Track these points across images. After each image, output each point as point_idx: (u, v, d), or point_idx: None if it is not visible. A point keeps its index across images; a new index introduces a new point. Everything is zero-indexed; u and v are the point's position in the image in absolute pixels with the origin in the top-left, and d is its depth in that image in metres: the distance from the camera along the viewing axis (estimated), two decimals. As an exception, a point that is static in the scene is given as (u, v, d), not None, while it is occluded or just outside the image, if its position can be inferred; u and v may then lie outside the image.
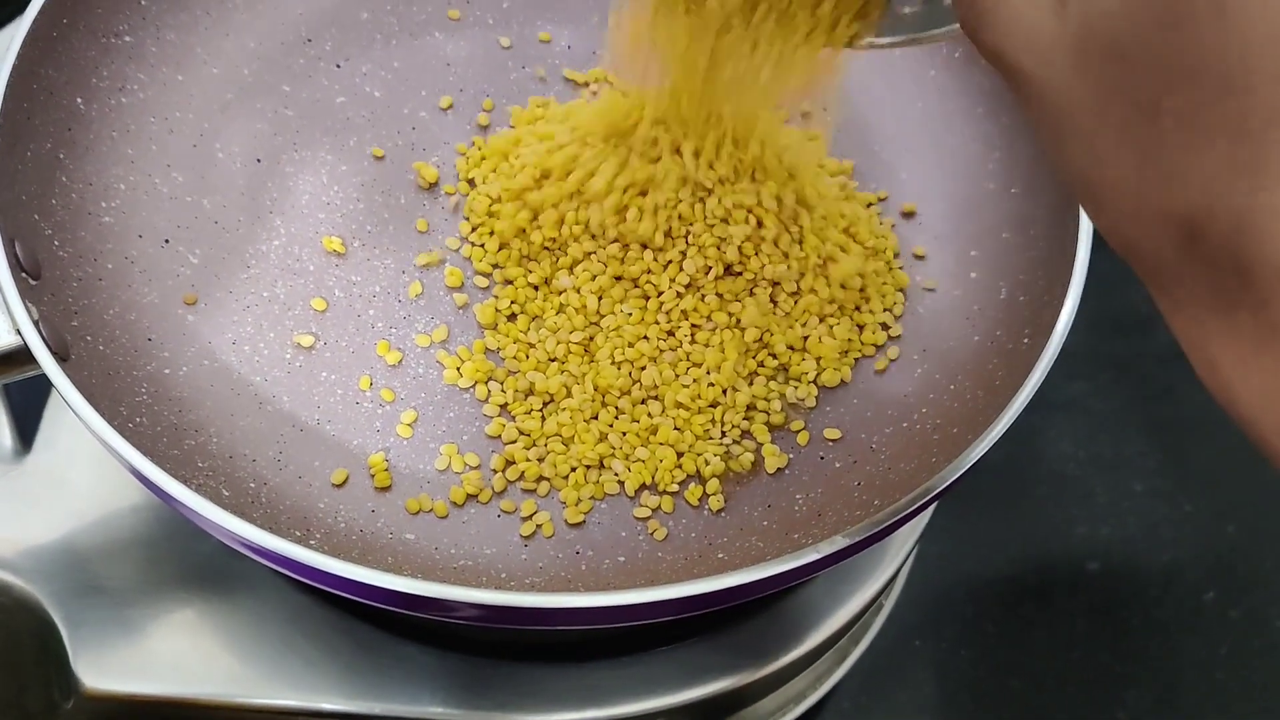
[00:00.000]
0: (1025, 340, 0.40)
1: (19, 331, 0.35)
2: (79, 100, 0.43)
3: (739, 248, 0.42)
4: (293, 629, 0.42)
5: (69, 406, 0.34)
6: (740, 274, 0.42)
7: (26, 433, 0.45)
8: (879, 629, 0.52)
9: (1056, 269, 0.41)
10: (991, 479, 0.60)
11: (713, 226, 0.42)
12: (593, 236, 0.43)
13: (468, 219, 0.45)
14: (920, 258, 0.45)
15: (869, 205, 0.46)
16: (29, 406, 0.45)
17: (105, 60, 0.44)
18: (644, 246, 0.42)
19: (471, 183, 0.46)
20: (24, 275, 0.37)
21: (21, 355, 0.36)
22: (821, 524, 0.38)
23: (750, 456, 0.40)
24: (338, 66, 0.48)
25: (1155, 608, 0.56)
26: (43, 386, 0.46)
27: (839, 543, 0.33)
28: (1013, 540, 0.59)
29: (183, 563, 0.43)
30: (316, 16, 0.49)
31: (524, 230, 0.43)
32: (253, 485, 0.38)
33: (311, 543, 0.36)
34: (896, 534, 0.45)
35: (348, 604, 0.43)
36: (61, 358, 0.36)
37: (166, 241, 0.43)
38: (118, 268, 0.41)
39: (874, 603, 0.46)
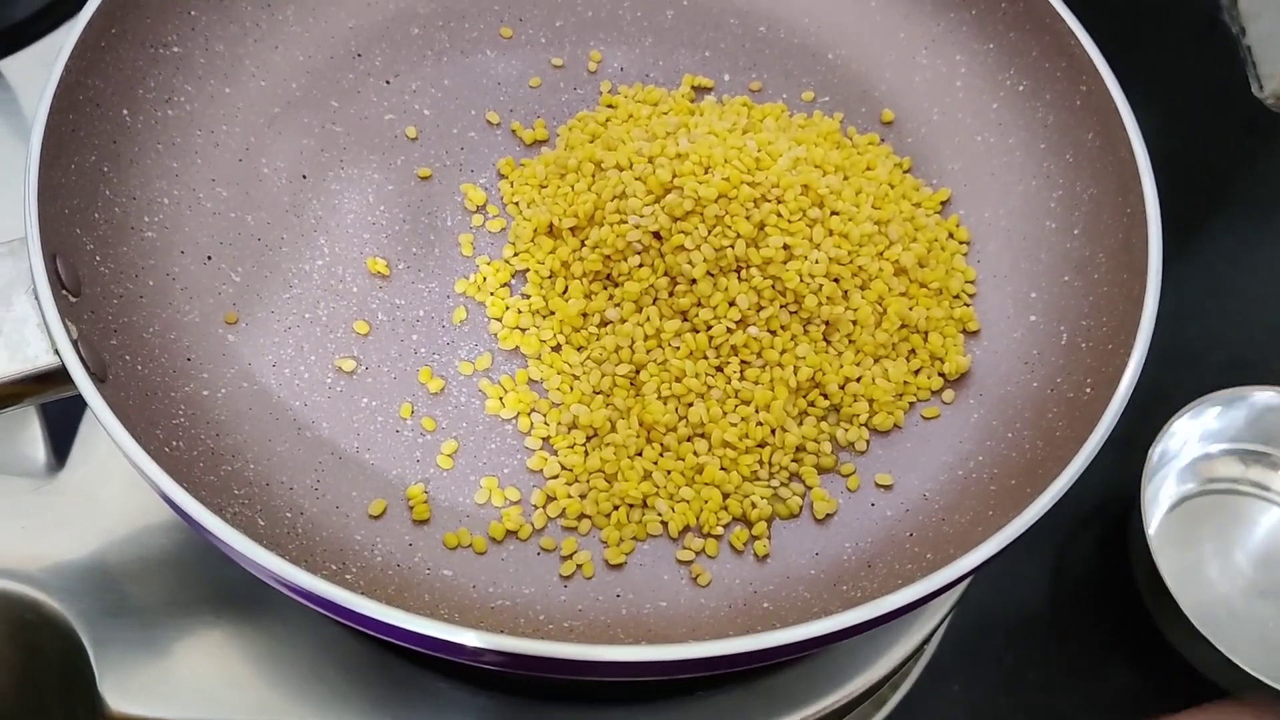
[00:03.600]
0: (1088, 390, 0.39)
1: (57, 351, 0.35)
2: (125, 112, 0.42)
3: (794, 289, 0.41)
4: (322, 658, 0.42)
5: (105, 430, 0.33)
6: (795, 311, 0.41)
7: (60, 449, 0.45)
8: (918, 674, 0.51)
9: (1121, 316, 0.40)
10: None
11: (768, 264, 0.40)
12: (640, 265, 0.41)
13: (513, 244, 0.44)
14: (975, 296, 0.44)
15: (949, 236, 0.45)
16: (64, 423, 0.45)
17: (153, 71, 0.43)
18: (693, 280, 0.41)
19: (517, 205, 0.45)
20: (65, 293, 0.36)
21: (59, 375, 0.35)
22: (871, 575, 0.37)
23: (798, 500, 0.39)
24: (387, 83, 0.47)
25: (1205, 662, 0.54)
26: (77, 403, 0.45)
27: (892, 602, 0.32)
28: (1056, 583, 0.57)
29: (212, 585, 0.43)
30: (367, 31, 0.48)
31: (567, 263, 0.42)
32: (289, 515, 0.37)
33: (348, 577, 0.35)
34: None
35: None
36: (99, 379, 0.35)
37: (209, 258, 0.42)
38: (159, 285, 0.41)
39: (917, 652, 0.45)
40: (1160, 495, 0.58)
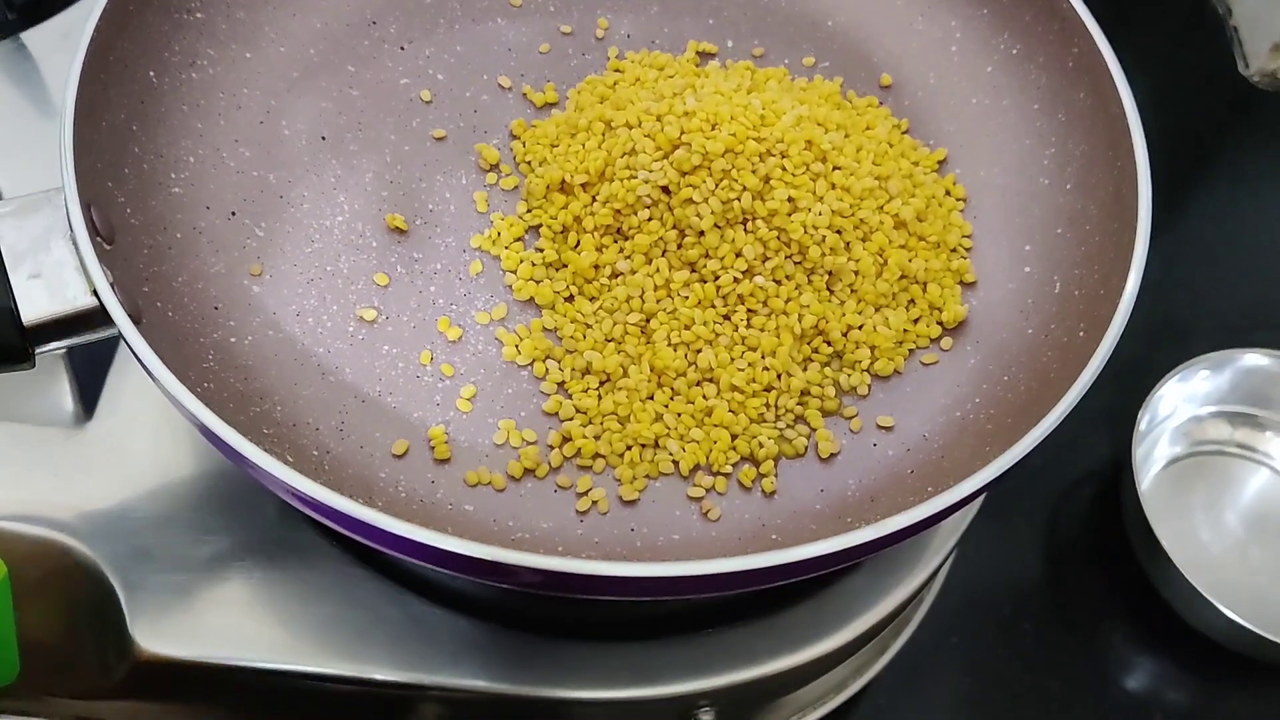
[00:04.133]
0: (1080, 334, 0.40)
1: (95, 293, 0.36)
2: (151, 74, 0.44)
3: (798, 240, 0.42)
4: (345, 600, 0.43)
5: (144, 367, 0.35)
6: (799, 262, 0.42)
7: (89, 400, 0.46)
8: (918, 624, 0.52)
9: (1111, 264, 0.41)
10: (1031, 481, 0.60)
11: (774, 215, 0.42)
12: (650, 219, 0.43)
13: (526, 201, 0.45)
14: (971, 250, 0.46)
15: (945, 193, 0.47)
16: (92, 373, 0.46)
17: (177, 35, 0.45)
18: (701, 232, 0.43)
19: (529, 164, 0.46)
20: (99, 240, 0.38)
21: (97, 317, 0.36)
22: (875, 508, 0.39)
23: (804, 441, 0.41)
24: (401, 49, 0.49)
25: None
26: (105, 354, 0.47)
27: (895, 523, 0.34)
28: (1051, 542, 0.59)
29: (238, 532, 0.44)
30: (381, 0, 0.49)
31: (579, 218, 0.44)
32: (315, 453, 0.39)
33: (377, 508, 0.37)
34: (940, 528, 0.45)
35: (400, 576, 0.43)
36: (135, 320, 0.36)
37: (233, 214, 0.44)
38: (186, 237, 0.42)
39: (916, 596, 0.46)
40: (1151, 457, 0.59)
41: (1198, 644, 0.54)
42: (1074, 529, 0.59)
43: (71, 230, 0.37)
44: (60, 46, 0.54)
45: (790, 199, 0.42)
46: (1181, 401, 0.60)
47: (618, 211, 0.43)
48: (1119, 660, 0.56)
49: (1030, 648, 0.56)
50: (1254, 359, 0.59)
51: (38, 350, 0.37)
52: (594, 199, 0.44)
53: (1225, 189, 0.73)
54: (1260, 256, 0.71)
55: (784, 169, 0.43)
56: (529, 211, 0.45)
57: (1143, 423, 0.56)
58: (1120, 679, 0.56)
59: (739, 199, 0.42)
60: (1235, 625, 0.51)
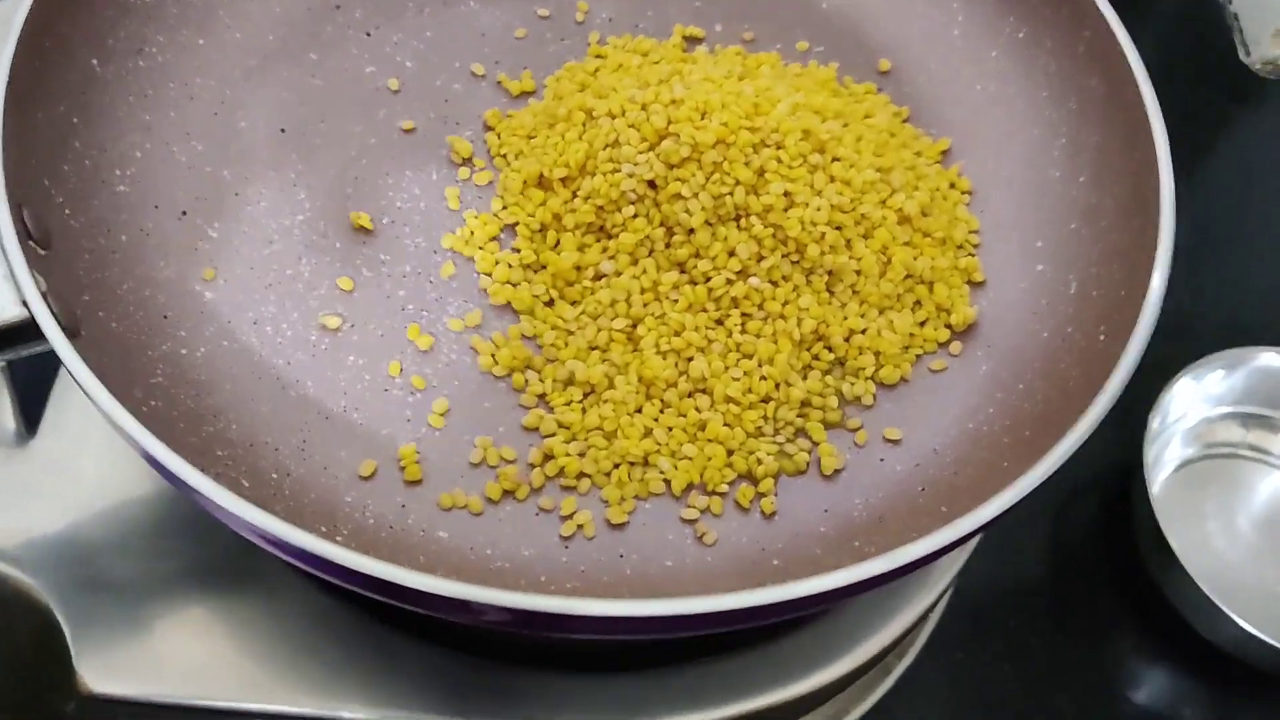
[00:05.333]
0: (1101, 337, 0.38)
1: (26, 304, 0.33)
2: (94, 62, 0.41)
3: (795, 237, 0.39)
4: (312, 631, 0.40)
5: (79, 386, 0.32)
6: (797, 262, 0.40)
7: (31, 416, 0.43)
8: (923, 643, 0.50)
9: (1133, 261, 0.39)
10: (1037, 488, 0.58)
11: (769, 211, 0.39)
12: (635, 216, 0.40)
13: (501, 197, 0.42)
14: (979, 247, 0.43)
15: (950, 185, 0.44)
16: (35, 388, 0.43)
17: (123, 20, 0.42)
18: (691, 230, 0.40)
19: (505, 157, 0.43)
20: (32, 244, 0.35)
21: (28, 330, 0.33)
22: (884, 530, 0.36)
23: (805, 456, 0.38)
24: (367, 35, 0.45)
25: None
26: (49, 366, 0.43)
27: (913, 551, 0.31)
28: (1057, 551, 0.56)
29: (195, 558, 0.41)
30: (346, -18, 0.46)
31: (558, 215, 0.41)
32: (274, 476, 0.36)
33: (339, 539, 0.34)
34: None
35: (370, 606, 0.40)
36: (72, 333, 0.33)
37: (184, 214, 0.40)
38: (132, 240, 0.39)
39: (925, 616, 0.44)
40: (1161, 460, 0.57)
41: (1212, 656, 0.52)
42: (1081, 536, 0.57)
43: (-1, 235, 0.33)
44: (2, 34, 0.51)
45: (787, 193, 0.39)
46: (1193, 402, 0.57)
47: (600, 208, 0.40)
48: (1130, 674, 0.54)
49: (1038, 663, 0.54)
50: (1269, 358, 0.57)
51: (-37, 367, 0.34)
52: (575, 194, 0.41)
53: (1229, 181, 0.71)
54: (1267, 249, 0.68)
55: (779, 161, 0.40)
56: (505, 208, 0.42)
57: (1154, 424, 0.54)
58: (1131, 694, 0.53)
59: (731, 194, 0.39)
60: (1251, 637, 0.49)
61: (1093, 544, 0.57)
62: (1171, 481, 0.57)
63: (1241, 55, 0.68)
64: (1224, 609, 0.49)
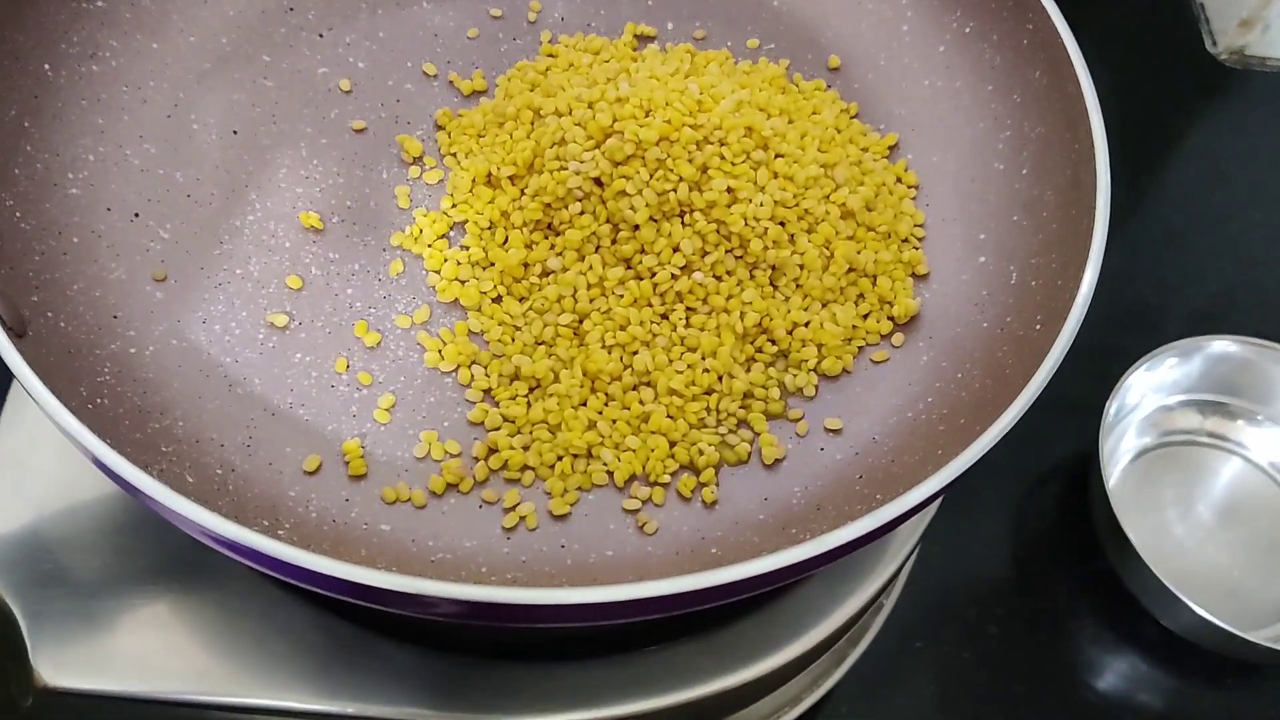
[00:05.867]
0: (1038, 327, 0.38)
1: (-31, 305, 0.33)
2: (46, 66, 0.41)
3: (739, 233, 0.40)
4: (265, 624, 0.40)
5: (21, 384, 0.32)
6: (740, 256, 0.40)
7: (-12, 415, 0.43)
8: (878, 630, 0.50)
9: (1070, 252, 0.39)
10: (995, 477, 0.58)
11: (712, 207, 0.40)
12: (581, 213, 0.40)
13: (451, 195, 0.43)
14: (924, 240, 0.43)
15: (896, 180, 0.44)
16: (-9, 388, 0.43)
17: (76, 25, 0.42)
18: (636, 226, 0.40)
19: (454, 156, 0.44)
20: (-20, 247, 0.35)
21: (-27, 330, 0.34)
22: (821, 518, 0.36)
23: (747, 447, 0.38)
24: (320, 36, 0.46)
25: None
26: (5, 366, 0.44)
27: (839, 537, 0.31)
28: (1016, 539, 0.57)
29: (151, 554, 0.41)
30: (299, -16, 0.47)
31: (506, 213, 0.41)
32: (219, 472, 0.36)
33: (280, 533, 0.34)
34: (898, 531, 0.43)
35: (323, 599, 0.41)
36: (17, 334, 0.34)
37: (136, 215, 0.41)
38: (84, 241, 0.39)
39: (873, 603, 0.44)
40: (1119, 449, 0.57)
41: (1169, 642, 0.53)
42: (1041, 525, 0.58)
43: (-55, 237, 0.34)
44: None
45: (730, 189, 0.40)
46: (1150, 391, 0.58)
47: (548, 205, 0.41)
48: (1088, 661, 0.54)
49: (996, 650, 0.54)
50: (1223, 346, 0.57)
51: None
52: (522, 193, 0.41)
53: (1193, 172, 0.71)
54: (1229, 241, 0.69)
55: (722, 158, 0.40)
56: (454, 206, 0.43)
57: (1110, 413, 0.54)
58: (1090, 680, 0.54)
59: (675, 190, 0.40)
60: (1207, 623, 0.49)
61: (1052, 532, 0.57)
62: (1130, 470, 0.57)
63: (1208, 45, 0.68)
64: (1180, 596, 0.49)
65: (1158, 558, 0.51)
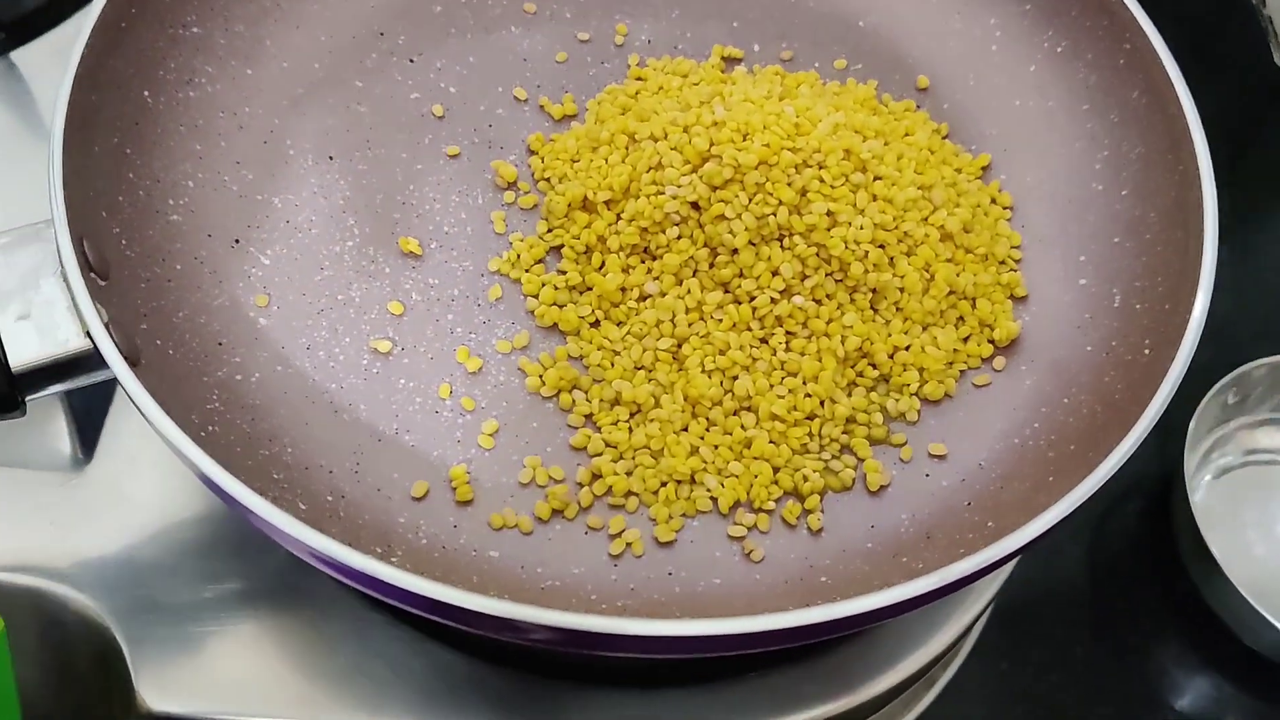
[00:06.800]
0: (1146, 351, 0.38)
1: (89, 334, 0.33)
2: (146, 94, 0.41)
3: (839, 256, 0.39)
4: (362, 648, 0.40)
5: (142, 414, 0.32)
6: (841, 280, 0.40)
7: (88, 441, 0.43)
8: (967, 653, 0.50)
9: (1177, 275, 0.39)
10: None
11: (812, 231, 0.39)
12: (679, 237, 0.40)
13: (546, 220, 0.43)
14: (1021, 262, 0.43)
15: (991, 201, 0.44)
16: (91, 412, 0.44)
17: (173, 52, 0.42)
18: (735, 250, 0.40)
19: (549, 181, 0.44)
20: (93, 276, 0.35)
21: (92, 360, 0.34)
22: (931, 546, 0.36)
23: (851, 473, 0.38)
24: (411, 61, 0.46)
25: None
26: (105, 390, 0.44)
27: (964, 568, 0.31)
28: (1097, 559, 0.56)
29: (248, 577, 0.42)
30: (388, 9, 0.47)
31: (603, 237, 0.41)
32: (330, 499, 0.36)
33: (393, 560, 0.34)
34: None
35: (419, 623, 0.41)
36: (132, 362, 0.34)
37: (236, 242, 0.41)
38: (187, 268, 0.40)
39: (970, 628, 0.44)
40: (1202, 468, 0.57)
41: (1255, 663, 0.52)
42: (1122, 544, 0.57)
43: (62, 266, 0.34)
44: (52, 64, 0.52)
45: (829, 212, 0.40)
46: (1232, 409, 0.57)
47: (644, 230, 0.41)
48: (1173, 682, 0.54)
49: (1082, 673, 0.53)
50: (1310, 364, 0.56)
51: (29, 398, 0.34)
52: (619, 217, 0.41)
53: (1261, 183, 0.70)
54: (1306, 255, 0.68)
55: (822, 180, 0.40)
56: (549, 231, 0.43)
57: (1194, 431, 0.54)
58: (1175, 702, 0.53)
59: (774, 214, 0.39)
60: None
61: (1134, 552, 0.57)
62: (1211, 488, 0.57)
63: (1276, 58, 0.68)
64: (1266, 616, 0.49)
65: (1243, 577, 0.50)
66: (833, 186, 0.40)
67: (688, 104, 0.42)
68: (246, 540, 0.42)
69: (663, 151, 0.41)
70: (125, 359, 0.33)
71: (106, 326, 0.34)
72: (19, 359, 0.34)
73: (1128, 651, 0.54)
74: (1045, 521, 0.32)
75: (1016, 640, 0.54)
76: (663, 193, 0.40)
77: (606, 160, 0.42)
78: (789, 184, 0.40)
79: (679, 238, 0.40)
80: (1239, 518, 0.56)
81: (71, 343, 0.34)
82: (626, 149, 0.42)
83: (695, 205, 0.40)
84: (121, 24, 0.40)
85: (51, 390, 0.35)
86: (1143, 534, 0.57)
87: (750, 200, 0.40)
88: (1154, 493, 0.58)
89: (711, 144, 0.40)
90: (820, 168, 0.40)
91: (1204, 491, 0.56)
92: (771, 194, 0.39)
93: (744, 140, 0.40)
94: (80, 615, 0.41)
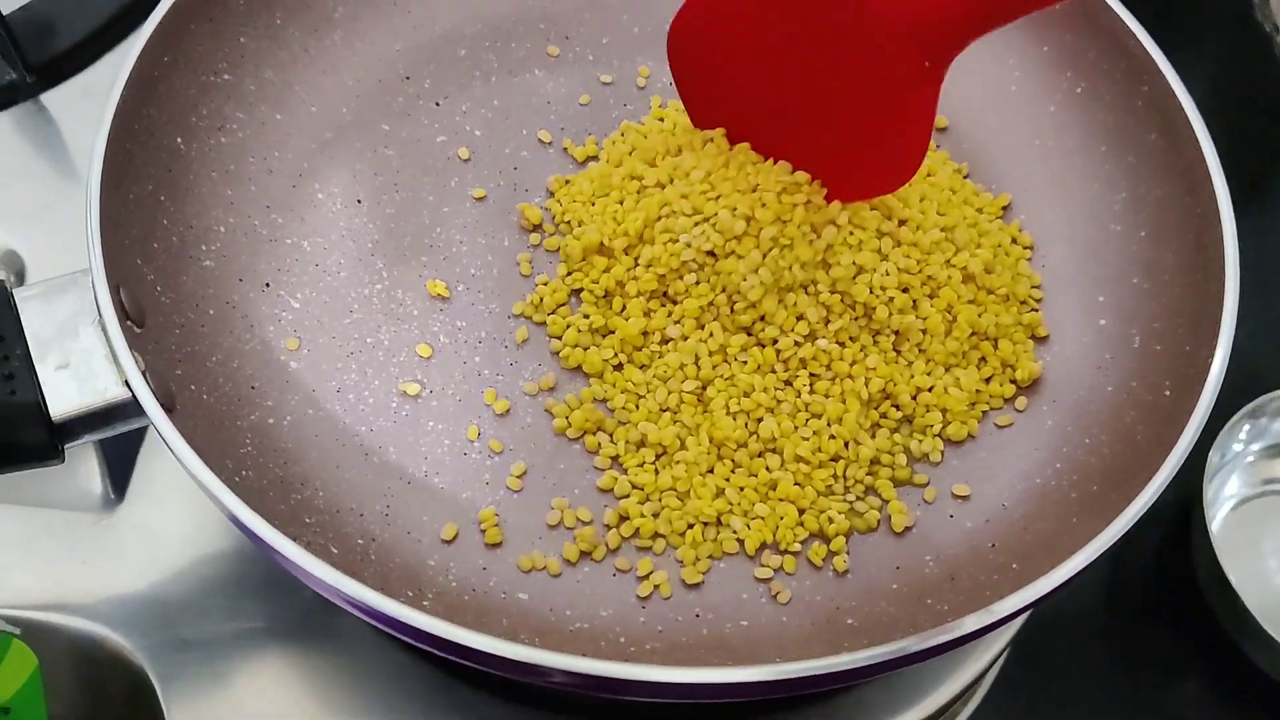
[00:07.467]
0: (1167, 393, 0.38)
1: (127, 383, 0.34)
2: (179, 140, 0.42)
3: (864, 301, 0.40)
4: (392, 687, 0.41)
5: (179, 461, 0.33)
6: (865, 323, 0.40)
7: (119, 482, 0.44)
8: (987, 689, 0.50)
9: (1196, 316, 0.39)
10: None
11: (837, 281, 0.40)
12: (697, 283, 0.41)
13: (565, 263, 0.43)
14: (1041, 302, 0.43)
15: (1012, 241, 0.44)
16: (122, 454, 0.44)
17: (204, 99, 0.43)
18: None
19: (569, 224, 0.44)
20: (129, 323, 0.36)
21: (129, 408, 0.35)
22: (956, 588, 0.36)
23: (876, 514, 0.39)
24: (437, 105, 0.47)
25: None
26: (136, 433, 0.45)
27: (994, 613, 0.31)
28: (1115, 588, 0.56)
29: (277, 615, 0.42)
30: (414, 54, 0.47)
31: (622, 282, 0.42)
32: (361, 542, 0.37)
33: (425, 603, 0.35)
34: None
35: (447, 663, 0.41)
36: (168, 409, 0.35)
37: (267, 285, 0.42)
38: (220, 313, 0.40)
39: (992, 664, 0.44)
40: (1220, 497, 0.57)
41: (1277, 695, 0.52)
42: (1140, 575, 0.57)
43: (100, 315, 0.35)
44: (81, 107, 0.53)
45: (854, 262, 0.40)
46: (1252, 438, 0.57)
47: (662, 275, 0.41)
48: (1194, 714, 0.54)
49: (1102, 706, 0.53)
50: (1327, 395, 0.56)
51: (67, 445, 0.35)
52: (636, 261, 0.42)
53: (1275, 211, 0.70)
54: (1324, 284, 0.68)
55: (852, 232, 0.40)
56: (570, 275, 0.43)
57: (1213, 461, 0.54)
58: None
59: (791, 269, 0.40)
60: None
61: (1152, 582, 0.57)
62: (1230, 518, 0.57)
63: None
64: (1284, 645, 0.49)
65: (1260, 607, 0.50)
66: (860, 233, 0.40)
67: (696, 145, 0.43)
68: (274, 578, 0.42)
69: (671, 199, 0.41)
70: (161, 406, 0.34)
71: (144, 374, 0.34)
72: (59, 409, 0.34)
73: (1148, 683, 0.54)
74: (1071, 568, 0.32)
75: (1036, 675, 0.54)
76: (677, 240, 0.40)
77: (620, 204, 0.43)
78: (810, 243, 0.40)
79: (697, 283, 0.41)
80: (1258, 547, 0.56)
81: (110, 391, 0.35)
82: (638, 194, 0.42)
83: (712, 253, 0.40)
84: (155, 73, 0.41)
85: (90, 438, 0.35)
86: (1161, 564, 0.57)
87: (765, 256, 0.40)
88: (1172, 522, 0.58)
89: (718, 195, 0.40)
90: (850, 224, 0.40)
91: (1222, 521, 0.56)
92: (790, 249, 0.40)
93: (753, 192, 0.40)
94: (112, 653, 0.41)
